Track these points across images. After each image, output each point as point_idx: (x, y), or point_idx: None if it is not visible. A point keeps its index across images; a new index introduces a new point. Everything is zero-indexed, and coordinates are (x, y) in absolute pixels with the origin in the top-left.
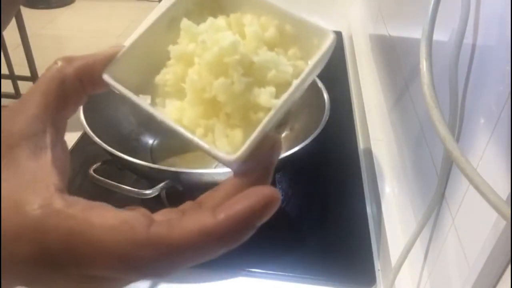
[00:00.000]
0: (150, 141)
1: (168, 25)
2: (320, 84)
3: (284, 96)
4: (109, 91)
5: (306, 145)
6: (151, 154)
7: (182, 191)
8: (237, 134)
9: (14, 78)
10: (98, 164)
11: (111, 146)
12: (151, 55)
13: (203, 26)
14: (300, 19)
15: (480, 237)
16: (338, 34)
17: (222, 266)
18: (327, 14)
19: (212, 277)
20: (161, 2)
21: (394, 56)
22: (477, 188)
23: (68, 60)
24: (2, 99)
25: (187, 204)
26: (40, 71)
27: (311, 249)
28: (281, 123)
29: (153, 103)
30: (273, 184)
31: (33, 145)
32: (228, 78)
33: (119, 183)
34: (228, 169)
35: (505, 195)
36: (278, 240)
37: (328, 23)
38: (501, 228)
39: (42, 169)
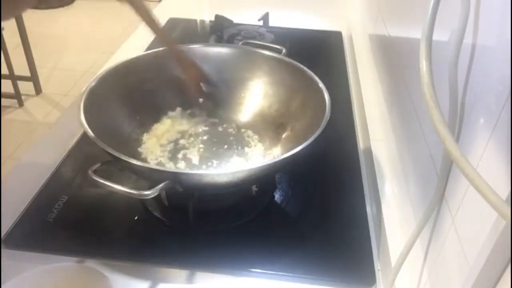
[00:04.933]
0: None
1: None
2: (321, 84)
3: None
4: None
5: (307, 145)
6: None
7: (181, 191)
8: None
9: (14, 78)
10: (98, 164)
11: (111, 147)
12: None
13: None
14: None
15: (480, 237)
16: (338, 34)
17: (223, 266)
18: (327, 14)
19: (213, 277)
20: (161, 2)
21: (394, 56)
22: (477, 188)
23: None
24: (2, 99)
25: None
26: (40, 71)
27: (311, 249)
28: (281, 123)
29: None
30: (273, 184)
31: None
32: None
33: (118, 183)
34: (228, 171)
35: (505, 195)
36: (278, 240)
37: (328, 23)
38: (501, 228)
39: None
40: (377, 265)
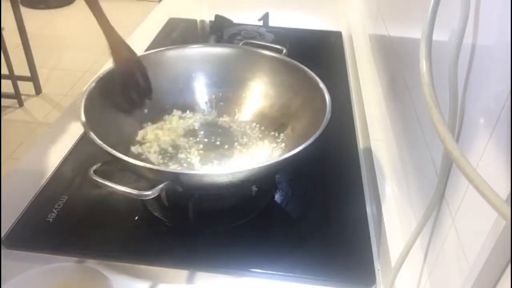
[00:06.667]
0: None
1: None
2: (321, 84)
3: None
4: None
5: (307, 145)
6: None
7: (182, 192)
8: None
9: (14, 78)
10: (98, 165)
11: (111, 147)
12: None
13: None
14: None
15: (480, 237)
16: (338, 34)
17: (223, 266)
18: (327, 14)
19: (213, 277)
20: (161, 2)
21: (394, 56)
22: (477, 188)
23: None
24: (2, 99)
25: None
26: (40, 71)
27: (311, 249)
28: (282, 123)
29: None
30: (273, 184)
31: None
32: None
33: (119, 183)
34: (228, 171)
35: (505, 195)
36: (278, 240)
37: (328, 23)
38: (501, 228)
39: None
40: (377, 265)
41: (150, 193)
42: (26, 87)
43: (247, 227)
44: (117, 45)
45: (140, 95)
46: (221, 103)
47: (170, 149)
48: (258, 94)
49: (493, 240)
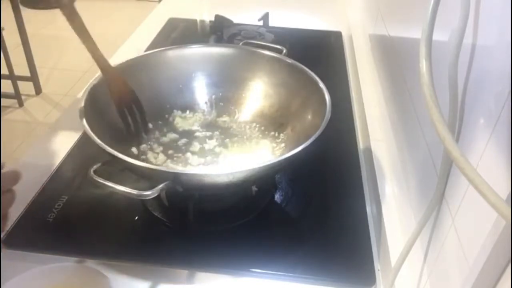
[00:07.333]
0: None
1: None
2: (321, 84)
3: None
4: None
5: (307, 145)
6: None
7: (182, 192)
8: None
9: (14, 78)
10: (98, 164)
11: (111, 147)
12: None
13: None
14: None
15: (480, 237)
16: (338, 34)
17: (223, 266)
18: (327, 14)
19: (213, 277)
20: (161, 2)
21: (394, 56)
22: (477, 188)
23: None
24: (2, 99)
25: None
26: (40, 71)
27: (311, 249)
28: (282, 123)
29: None
30: (273, 184)
31: None
32: None
33: (119, 183)
34: (228, 171)
35: (505, 195)
36: (278, 240)
37: (328, 23)
38: (501, 228)
39: None
40: (377, 265)
41: (150, 193)
42: (26, 87)
43: (247, 227)
44: (112, 76)
45: (135, 128)
46: (221, 103)
47: (170, 149)
48: (258, 94)
49: (493, 240)
